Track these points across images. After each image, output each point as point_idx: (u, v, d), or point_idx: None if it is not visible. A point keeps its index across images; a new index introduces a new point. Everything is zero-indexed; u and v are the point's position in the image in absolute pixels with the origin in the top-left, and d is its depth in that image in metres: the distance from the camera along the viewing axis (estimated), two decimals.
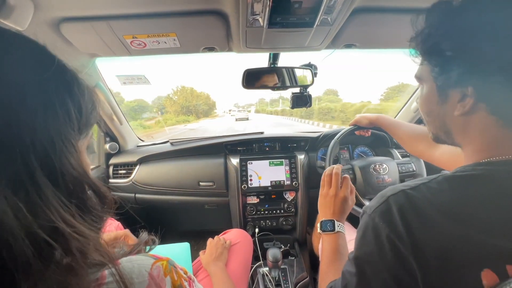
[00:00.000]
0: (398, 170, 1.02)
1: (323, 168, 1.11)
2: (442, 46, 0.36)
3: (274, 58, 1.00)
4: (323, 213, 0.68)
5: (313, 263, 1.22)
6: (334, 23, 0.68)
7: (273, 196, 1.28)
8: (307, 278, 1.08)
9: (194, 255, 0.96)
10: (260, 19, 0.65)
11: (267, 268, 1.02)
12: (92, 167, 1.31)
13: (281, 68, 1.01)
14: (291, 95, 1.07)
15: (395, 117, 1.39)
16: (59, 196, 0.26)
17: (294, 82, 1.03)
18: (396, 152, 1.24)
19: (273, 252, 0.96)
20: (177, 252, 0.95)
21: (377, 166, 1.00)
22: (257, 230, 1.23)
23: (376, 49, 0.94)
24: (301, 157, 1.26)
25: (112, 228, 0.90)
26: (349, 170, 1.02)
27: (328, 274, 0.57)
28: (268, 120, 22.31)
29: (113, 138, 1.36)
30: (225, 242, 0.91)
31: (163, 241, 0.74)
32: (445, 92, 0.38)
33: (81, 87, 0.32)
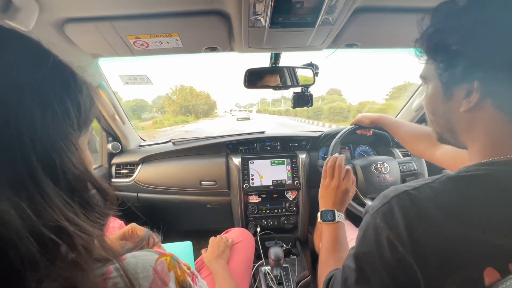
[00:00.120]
0: (400, 169, 1.02)
1: None
2: (448, 41, 0.36)
3: (276, 57, 1.00)
4: (324, 203, 0.69)
5: (315, 262, 1.22)
6: (336, 23, 0.68)
7: (274, 195, 1.28)
8: (309, 277, 1.09)
9: (196, 254, 0.96)
10: (262, 19, 0.66)
11: (269, 267, 1.03)
12: (94, 166, 1.31)
13: (282, 67, 1.01)
14: (292, 95, 1.08)
15: (396, 117, 1.40)
16: (62, 194, 0.26)
17: (295, 81, 1.03)
18: (397, 151, 1.24)
19: (275, 251, 0.97)
20: (179, 250, 0.95)
21: (378, 165, 1.00)
22: (258, 229, 1.23)
23: (378, 49, 0.94)
24: (302, 156, 1.26)
25: (116, 225, 0.90)
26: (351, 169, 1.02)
27: (327, 263, 0.58)
28: (271, 120, 21.10)
29: (116, 138, 1.37)
30: (227, 241, 0.92)
31: (165, 240, 0.75)
32: (450, 89, 0.38)
33: (78, 84, 0.31)
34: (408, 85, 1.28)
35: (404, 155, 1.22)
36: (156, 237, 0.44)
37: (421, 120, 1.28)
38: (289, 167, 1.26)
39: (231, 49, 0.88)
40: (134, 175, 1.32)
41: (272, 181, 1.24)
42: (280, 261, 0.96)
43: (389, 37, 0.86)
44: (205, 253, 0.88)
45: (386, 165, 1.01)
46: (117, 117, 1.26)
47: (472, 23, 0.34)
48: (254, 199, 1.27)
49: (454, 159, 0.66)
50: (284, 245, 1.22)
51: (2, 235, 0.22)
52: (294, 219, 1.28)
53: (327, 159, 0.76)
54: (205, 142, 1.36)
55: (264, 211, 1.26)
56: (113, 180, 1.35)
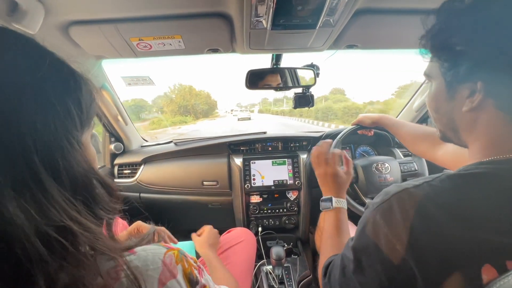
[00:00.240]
0: (400, 169, 1.03)
1: None
2: (452, 41, 0.36)
3: (277, 59, 1.01)
4: (323, 191, 0.71)
5: (316, 262, 1.23)
6: (337, 24, 0.69)
7: (276, 195, 1.29)
8: (310, 276, 1.09)
9: (198, 253, 0.97)
10: (263, 21, 0.67)
11: (271, 266, 1.04)
12: (97, 167, 1.32)
13: (283, 68, 1.02)
14: (293, 95, 1.09)
15: (396, 117, 1.40)
16: (65, 194, 0.26)
17: (296, 82, 1.04)
18: (398, 152, 1.24)
19: (277, 251, 0.97)
20: None
21: (379, 165, 1.01)
22: (260, 229, 1.24)
23: (378, 49, 0.95)
24: (303, 156, 1.27)
25: (119, 224, 0.91)
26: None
27: (327, 248, 0.59)
28: (274, 120, 19.93)
29: (118, 139, 1.38)
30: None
31: None
32: (453, 88, 0.39)
33: (78, 82, 0.31)
34: (416, 84, 1.28)
35: (405, 155, 1.22)
36: (162, 231, 0.44)
37: (422, 120, 1.28)
38: (290, 167, 1.26)
39: (233, 51, 0.89)
40: (137, 176, 1.33)
41: (274, 181, 1.24)
42: (282, 260, 0.97)
43: (390, 38, 0.86)
44: (197, 238, 0.89)
45: (387, 165, 1.01)
46: (120, 118, 1.27)
47: (476, 23, 0.34)
48: (256, 199, 1.28)
49: (456, 159, 0.66)
50: (286, 245, 1.23)
51: (11, 234, 0.22)
52: (295, 219, 1.28)
53: (311, 151, 0.76)
54: (207, 143, 1.36)
55: (265, 211, 1.26)
56: (116, 180, 1.36)
